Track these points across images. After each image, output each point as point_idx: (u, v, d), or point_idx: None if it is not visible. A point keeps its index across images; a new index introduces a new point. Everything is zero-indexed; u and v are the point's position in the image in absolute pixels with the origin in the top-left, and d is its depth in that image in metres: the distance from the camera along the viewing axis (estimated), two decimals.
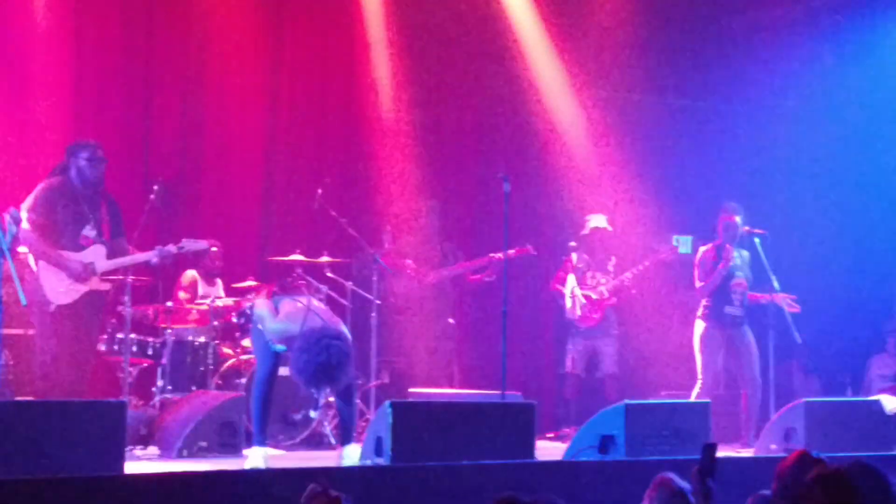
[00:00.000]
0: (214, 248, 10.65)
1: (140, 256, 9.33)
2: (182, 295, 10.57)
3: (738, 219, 10.45)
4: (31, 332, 9.28)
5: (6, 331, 9.34)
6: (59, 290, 8.85)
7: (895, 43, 12.98)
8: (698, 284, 10.49)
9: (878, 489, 6.28)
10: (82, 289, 8.94)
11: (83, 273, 8.91)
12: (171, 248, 9.40)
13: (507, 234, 9.24)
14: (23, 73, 10.68)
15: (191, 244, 9.55)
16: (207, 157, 11.88)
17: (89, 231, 9.08)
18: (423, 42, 12.42)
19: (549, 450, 9.42)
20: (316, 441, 9.90)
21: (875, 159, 13.03)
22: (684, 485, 5.71)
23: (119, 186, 10.15)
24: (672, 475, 5.80)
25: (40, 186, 9.04)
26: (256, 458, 8.02)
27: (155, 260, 9.35)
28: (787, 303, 10.45)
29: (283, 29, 12.32)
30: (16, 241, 8.48)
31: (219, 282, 10.86)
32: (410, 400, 8.56)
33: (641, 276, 11.67)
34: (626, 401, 8.86)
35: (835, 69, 13.33)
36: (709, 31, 13.36)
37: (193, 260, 10.61)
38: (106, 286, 9.19)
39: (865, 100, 13.14)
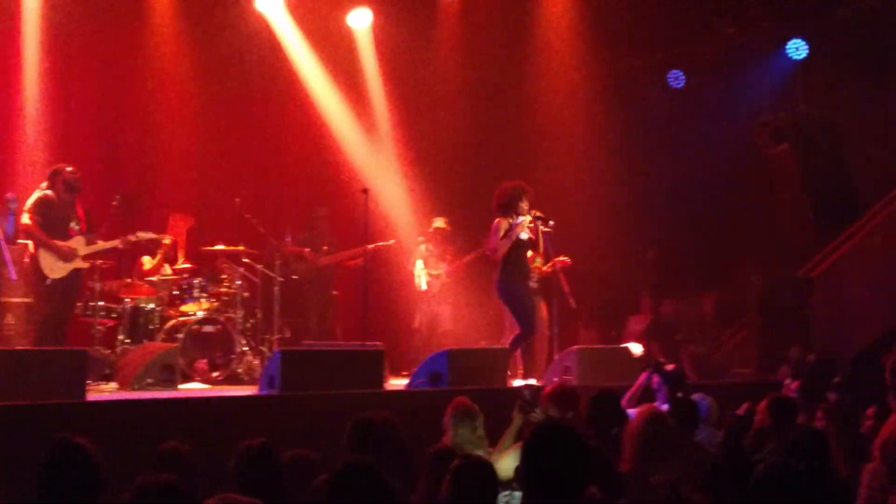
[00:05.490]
0: (167, 241, 10.56)
1: (109, 243, 9.35)
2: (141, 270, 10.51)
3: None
4: (28, 300, 9.25)
5: (9, 299, 9.40)
6: (53, 268, 8.80)
7: None
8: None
9: (615, 411, 6.62)
10: (69, 267, 8.92)
11: (70, 255, 8.87)
12: (131, 236, 9.45)
13: (366, 231, 9.39)
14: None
15: (144, 234, 9.62)
16: (158, 174, 11.82)
17: (74, 226, 9.06)
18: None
19: (401, 384, 9.47)
20: (232, 379, 9.90)
21: (634, 176, 13.46)
22: (472, 406, 5.93)
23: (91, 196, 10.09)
24: (465, 399, 6.02)
25: (37, 195, 8.89)
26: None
27: (120, 245, 9.40)
28: (562, 261, 10.31)
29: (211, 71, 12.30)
30: (16, 232, 8.48)
31: (166, 265, 10.78)
32: (293, 348, 8.63)
33: (473, 262, 11.85)
34: (449, 348, 9.13)
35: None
36: None
37: (149, 248, 10.52)
38: (85, 265, 9.13)
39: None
